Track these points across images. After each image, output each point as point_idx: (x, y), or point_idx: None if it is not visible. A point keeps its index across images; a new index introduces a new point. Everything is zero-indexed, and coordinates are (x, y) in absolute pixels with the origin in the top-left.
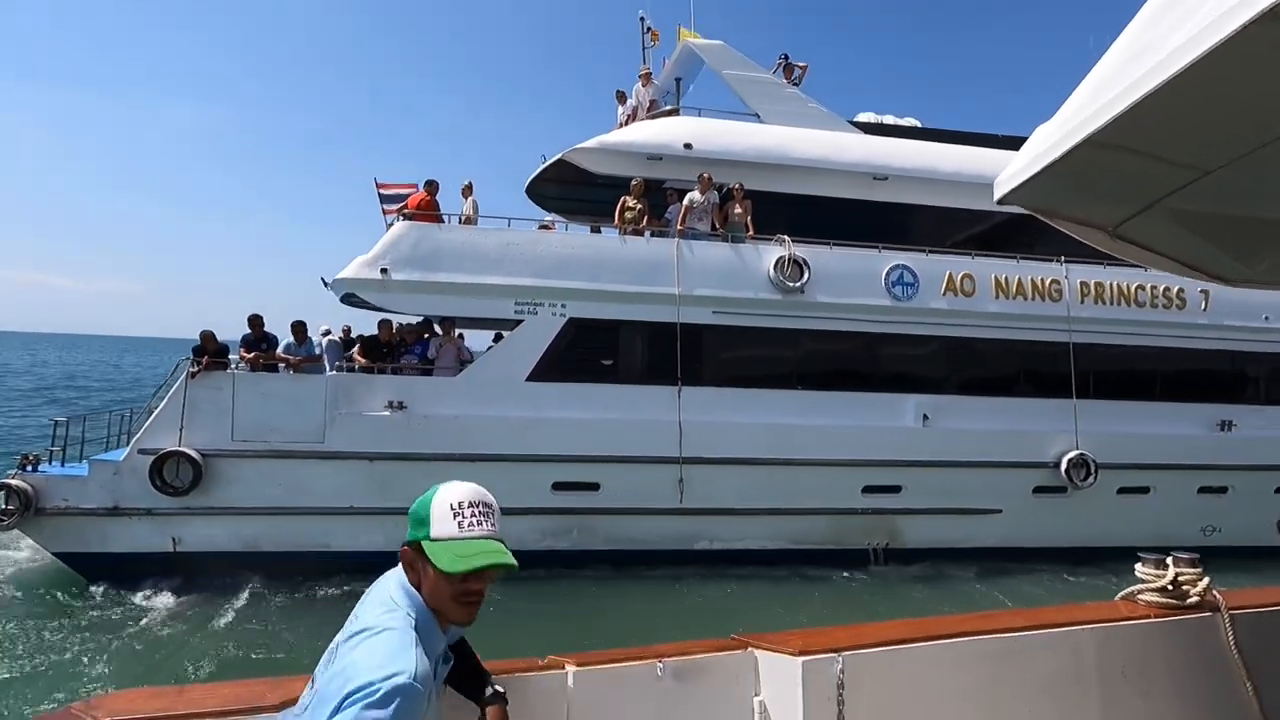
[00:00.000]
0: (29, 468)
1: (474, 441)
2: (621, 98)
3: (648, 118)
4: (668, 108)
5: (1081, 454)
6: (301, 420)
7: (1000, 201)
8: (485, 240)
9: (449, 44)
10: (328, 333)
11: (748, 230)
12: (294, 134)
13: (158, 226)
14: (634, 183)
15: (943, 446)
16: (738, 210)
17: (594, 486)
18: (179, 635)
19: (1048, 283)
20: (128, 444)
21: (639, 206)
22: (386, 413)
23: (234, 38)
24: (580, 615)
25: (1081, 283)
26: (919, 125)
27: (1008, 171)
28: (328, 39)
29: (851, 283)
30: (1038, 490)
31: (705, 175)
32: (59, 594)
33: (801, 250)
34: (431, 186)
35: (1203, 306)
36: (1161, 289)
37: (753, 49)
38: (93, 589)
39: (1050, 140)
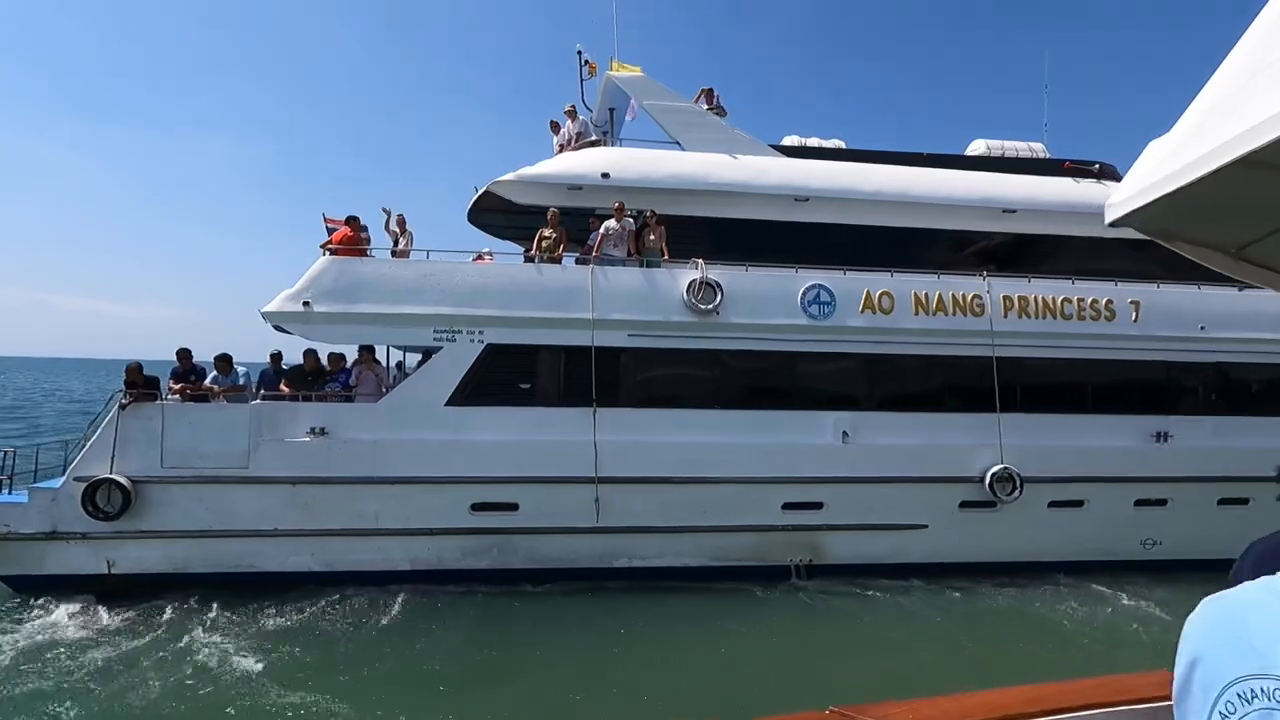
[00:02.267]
0: None
1: (394, 465)
2: (555, 127)
3: (573, 149)
4: (593, 138)
5: (1006, 468)
6: (227, 447)
7: (1112, 224)
8: (405, 271)
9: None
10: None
11: (663, 255)
12: (328, 161)
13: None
14: (550, 212)
15: (864, 462)
16: (652, 236)
17: (513, 507)
18: (112, 650)
19: (969, 298)
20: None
21: (554, 235)
22: (308, 439)
23: (273, 71)
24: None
25: (1004, 296)
26: (843, 147)
27: (1123, 194)
28: (351, 57)
29: (766, 303)
30: (964, 505)
31: (619, 203)
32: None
33: (716, 273)
34: (353, 222)
35: (1133, 317)
36: (1089, 301)
37: (723, 80)
38: (33, 605)
39: (1185, 158)
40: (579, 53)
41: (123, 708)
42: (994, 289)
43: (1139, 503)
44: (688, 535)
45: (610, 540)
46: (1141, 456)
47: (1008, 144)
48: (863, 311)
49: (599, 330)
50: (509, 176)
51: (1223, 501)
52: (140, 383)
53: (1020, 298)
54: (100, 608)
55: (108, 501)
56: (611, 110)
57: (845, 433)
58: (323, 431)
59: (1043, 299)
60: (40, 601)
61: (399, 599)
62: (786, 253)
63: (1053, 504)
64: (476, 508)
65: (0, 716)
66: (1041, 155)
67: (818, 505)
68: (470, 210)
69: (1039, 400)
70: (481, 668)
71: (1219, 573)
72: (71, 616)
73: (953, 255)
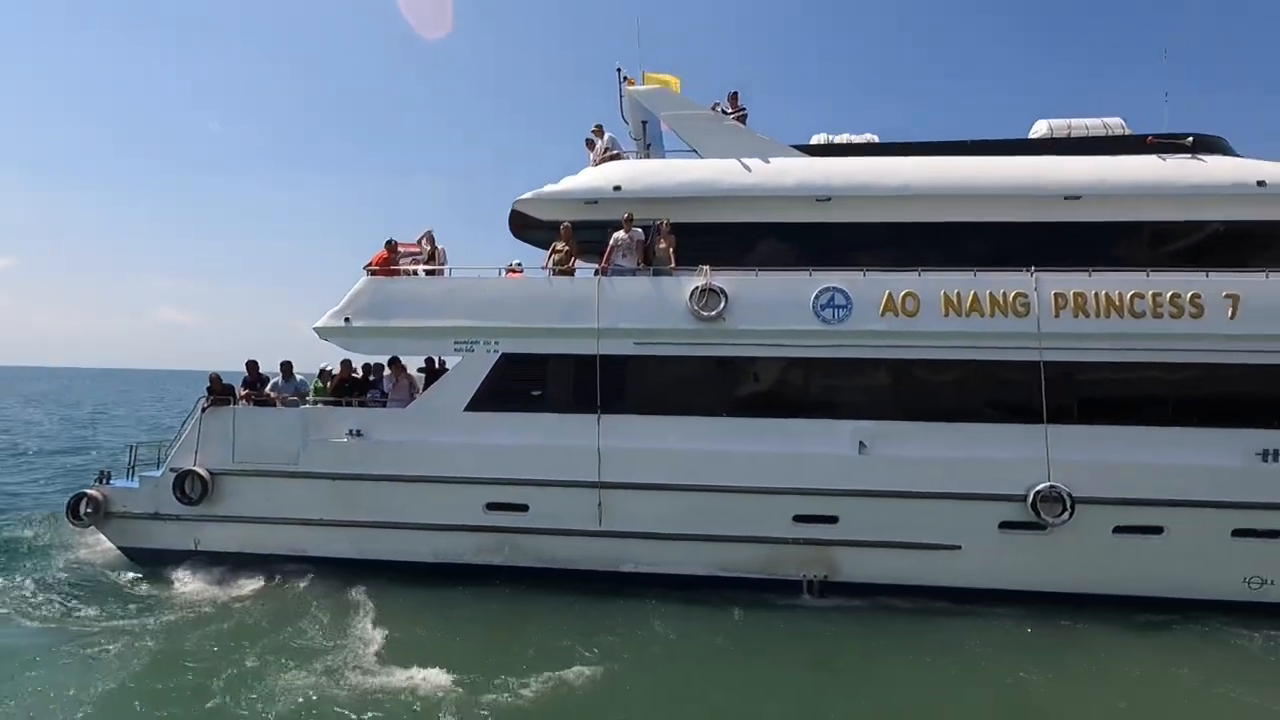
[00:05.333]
0: (103, 481)
1: (419, 464)
2: (590, 144)
3: (603, 162)
4: (615, 153)
5: (1053, 486)
6: (283, 445)
7: None
8: (430, 289)
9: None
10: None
11: (671, 264)
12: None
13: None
14: (562, 226)
15: (884, 475)
16: (662, 245)
17: (523, 508)
18: (202, 612)
19: (1011, 296)
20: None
21: (566, 248)
22: (346, 439)
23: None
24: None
25: (1056, 294)
26: (875, 141)
27: None
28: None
29: (776, 308)
30: (1005, 526)
31: (628, 214)
32: (117, 576)
33: (723, 279)
34: (390, 245)
35: (1230, 314)
36: (1169, 295)
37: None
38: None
39: None
40: (618, 70)
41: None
42: (1043, 286)
43: (1238, 532)
44: (692, 543)
45: (615, 545)
46: (1244, 477)
47: (1075, 122)
48: (884, 314)
49: (605, 339)
50: (528, 195)
51: None
52: (219, 389)
53: (1077, 294)
54: (189, 576)
55: (192, 489)
56: (644, 123)
57: (862, 443)
58: (359, 433)
59: (1105, 295)
60: (145, 567)
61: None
62: (811, 256)
63: (1119, 529)
64: (491, 507)
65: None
66: (1121, 131)
67: (832, 519)
68: (510, 227)
69: (1099, 411)
70: None
71: None
72: (170, 581)
73: (1002, 249)
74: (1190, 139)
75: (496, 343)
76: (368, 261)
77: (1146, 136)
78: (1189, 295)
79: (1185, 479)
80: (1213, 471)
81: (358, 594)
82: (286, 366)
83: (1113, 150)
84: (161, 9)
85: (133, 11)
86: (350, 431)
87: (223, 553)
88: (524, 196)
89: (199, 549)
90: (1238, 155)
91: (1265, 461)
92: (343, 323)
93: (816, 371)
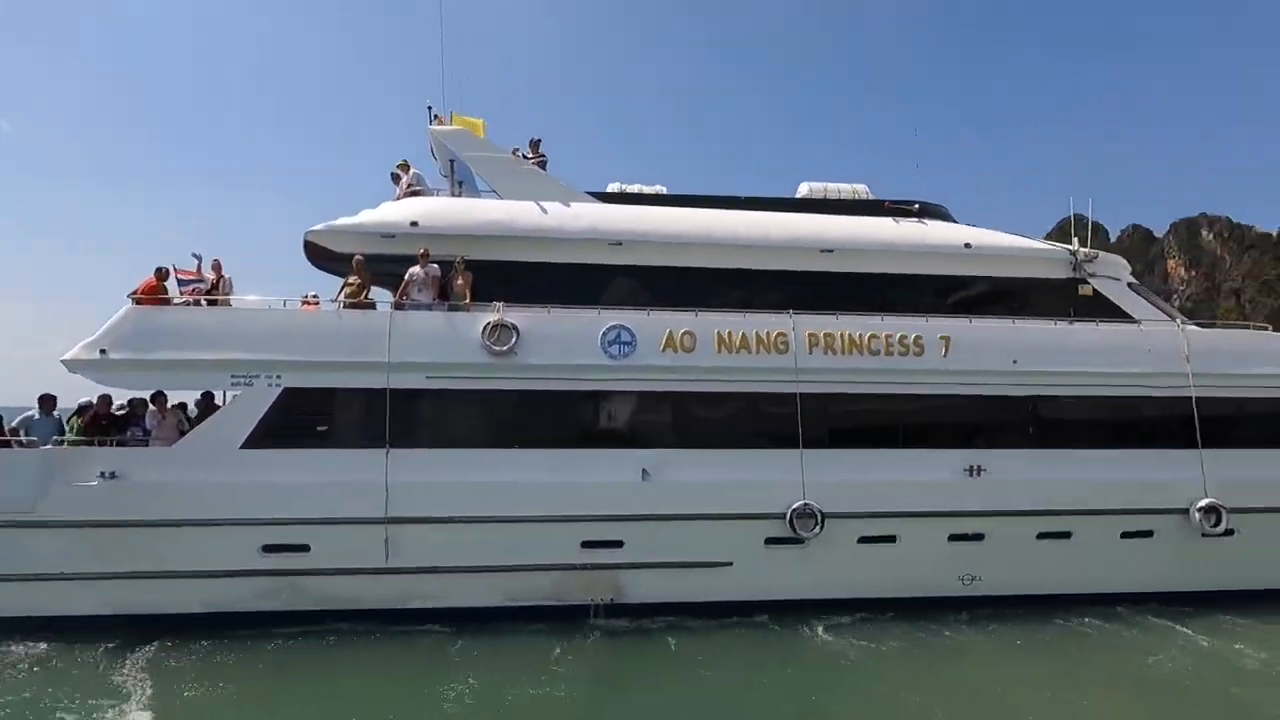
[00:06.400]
0: None
1: (187, 507)
2: (396, 179)
3: (405, 197)
4: (418, 189)
5: (807, 504)
6: (15, 491)
7: None
8: (204, 319)
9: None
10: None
11: (466, 299)
12: None
13: None
14: (354, 259)
15: (665, 500)
16: (458, 282)
17: (304, 548)
18: None
19: (773, 335)
20: None
21: (359, 281)
22: (97, 483)
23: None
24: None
25: (809, 333)
26: (664, 192)
27: None
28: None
29: (566, 344)
30: (770, 541)
31: (423, 250)
32: None
33: (516, 315)
34: (161, 273)
35: (943, 352)
36: (898, 337)
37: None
38: None
39: None
40: (429, 108)
41: None
42: (799, 326)
43: (954, 537)
44: (484, 575)
45: (403, 581)
46: (958, 490)
47: (831, 185)
48: (664, 350)
49: (396, 373)
50: (320, 227)
51: (1042, 535)
52: None
53: (826, 334)
54: None
55: None
56: (452, 161)
57: (645, 470)
58: (113, 475)
59: (849, 335)
60: None
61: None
62: (602, 295)
63: (864, 539)
64: (269, 549)
65: None
66: (865, 196)
67: (618, 543)
68: (307, 257)
69: (845, 436)
70: None
71: (1041, 608)
72: None
73: (772, 295)
74: (917, 205)
75: (279, 376)
76: (134, 290)
77: (884, 202)
78: (913, 337)
79: (912, 493)
80: (933, 486)
81: (110, 655)
82: (47, 401)
83: (858, 212)
84: None
85: None
86: (102, 474)
87: None
88: (317, 228)
89: None
90: (955, 221)
91: (971, 476)
92: (97, 355)
93: (603, 404)
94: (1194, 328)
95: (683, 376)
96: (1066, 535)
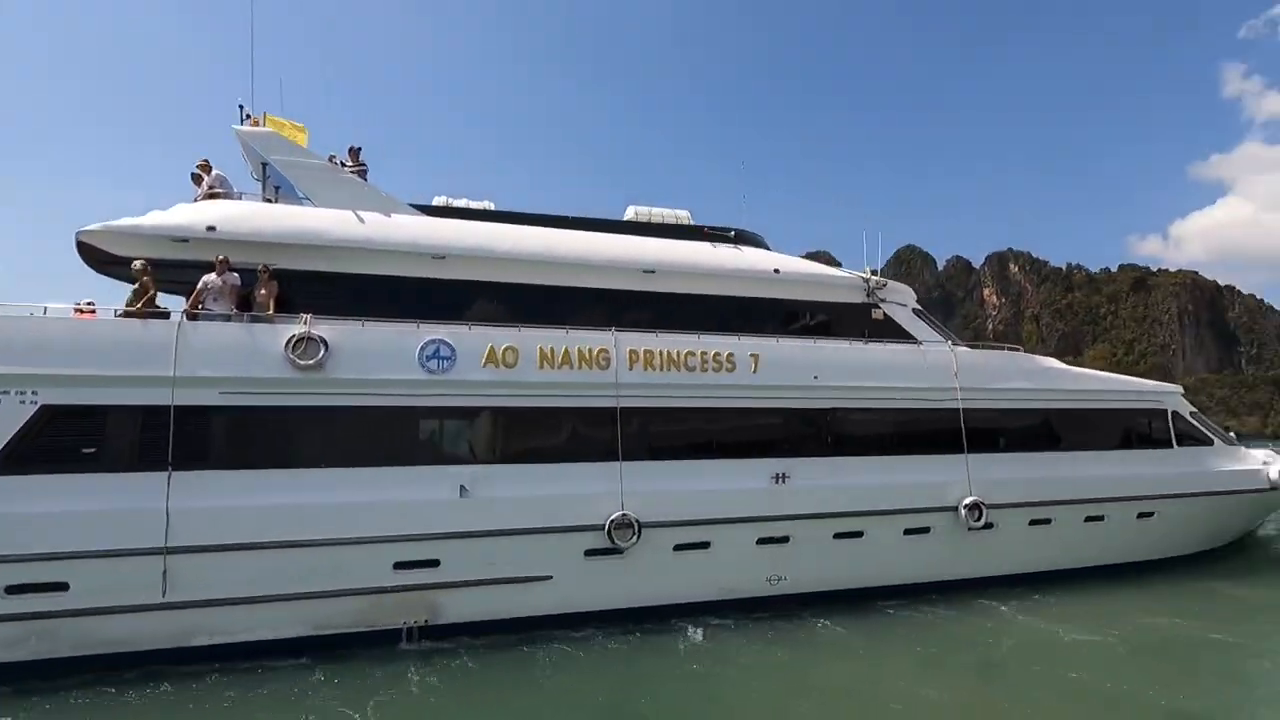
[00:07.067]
0: None
1: None
2: (197, 180)
3: (204, 199)
4: (220, 191)
5: (625, 514)
6: None
7: None
8: None
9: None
10: None
11: (269, 311)
12: None
13: None
14: (134, 265)
15: (483, 516)
16: (262, 291)
17: (61, 586)
18: None
19: (595, 351)
20: None
21: (137, 287)
22: None
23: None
24: None
25: (630, 350)
26: (491, 208)
27: None
28: None
29: (380, 358)
30: (590, 553)
31: (221, 257)
32: None
33: (325, 328)
34: None
35: (753, 369)
36: (711, 354)
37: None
38: None
39: None
40: (240, 106)
41: None
42: (620, 343)
43: (762, 541)
44: (282, 604)
45: (185, 617)
46: (763, 497)
47: (655, 210)
48: (485, 365)
49: (182, 388)
50: (95, 226)
51: (838, 535)
52: None
53: (646, 351)
54: None
55: None
56: (264, 165)
57: (463, 487)
58: None
59: (667, 352)
60: None
61: None
62: (424, 309)
63: (679, 547)
64: (11, 590)
65: None
66: (686, 221)
67: (434, 563)
68: (84, 260)
69: (662, 448)
70: None
71: (840, 604)
72: None
73: (596, 313)
74: (733, 232)
75: (34, 392)
76: None
77: (704, 227)
78: (726, 354)
79: (724, 501)
80: (743, 493)
81: None
82: None
83: (680, 236)
84: None
85: None
86: None
87: None
88: (92, 227)
89: None
90: (768, 248)
91: (777, 483)
92: None
93: (420, 419)
94: (963, 348)
95: (504, 392)
96: (859, 535)
